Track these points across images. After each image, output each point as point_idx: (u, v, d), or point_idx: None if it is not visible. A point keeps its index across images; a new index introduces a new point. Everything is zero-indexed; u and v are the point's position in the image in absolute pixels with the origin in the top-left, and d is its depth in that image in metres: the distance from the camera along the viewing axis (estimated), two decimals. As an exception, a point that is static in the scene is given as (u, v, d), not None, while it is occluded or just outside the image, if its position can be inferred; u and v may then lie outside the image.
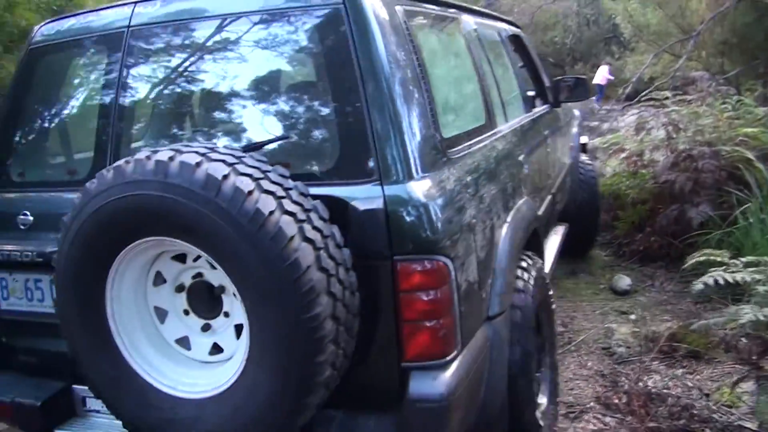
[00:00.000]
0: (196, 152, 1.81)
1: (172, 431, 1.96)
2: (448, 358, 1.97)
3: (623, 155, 6.55)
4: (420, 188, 1.97)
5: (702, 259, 3.63)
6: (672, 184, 5.46)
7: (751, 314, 2.85)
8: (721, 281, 3.22)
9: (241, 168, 1.79)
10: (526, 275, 2.64)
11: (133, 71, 2.44)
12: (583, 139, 6.19)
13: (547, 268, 3.29)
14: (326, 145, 2.16)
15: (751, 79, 8.48)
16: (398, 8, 2.28)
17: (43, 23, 2.76)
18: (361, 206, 1.94)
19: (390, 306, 1.95)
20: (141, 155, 1.86)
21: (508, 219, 2.64)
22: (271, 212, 1.72)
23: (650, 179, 6.01)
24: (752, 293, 3.29)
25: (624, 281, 5.17)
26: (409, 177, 1.98)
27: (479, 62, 3.11)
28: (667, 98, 6.33)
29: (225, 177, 1.74)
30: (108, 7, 2.60)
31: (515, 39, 4.45)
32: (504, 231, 2.55)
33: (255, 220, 1.71)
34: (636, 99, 8.35)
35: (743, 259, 3.40)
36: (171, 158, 1.79)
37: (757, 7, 8.66)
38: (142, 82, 2.48)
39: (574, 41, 30.56)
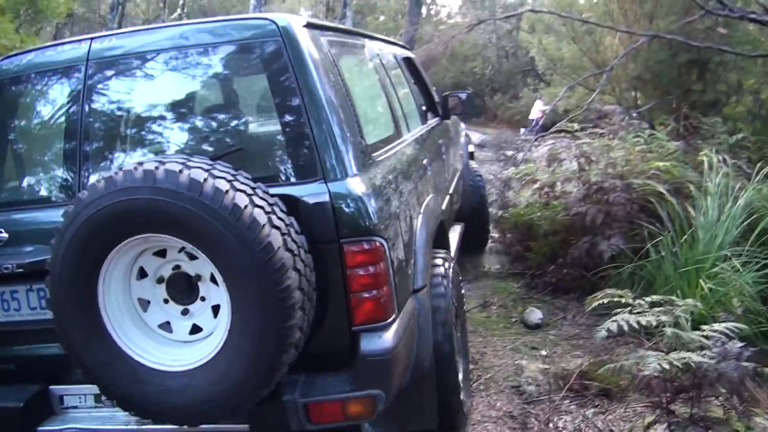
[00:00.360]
0: (176, 161, 2.17)
1: (165, 401, 2.26)
2: (388, 321, 2.42)
3: (535, 186, 6.47)
4: (356, 184, 2.43)
5: (605, 300, 3.47)
6: (583, 216, 5.39)
7: (655, 363, 2.70)
8: (625, 326, 3.06)
9: (215, 172, 2.16)
10: (440, 259, 3.23)
11: (93, 99, 2.72)
12: (471, 148, 7.12)
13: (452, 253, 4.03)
14: (278, 154, 2.61)
15: (664, 114, 8.61)
16: (323, 39, 2.73)
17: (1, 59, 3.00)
18: (311, 200, 2.37)
19: (339, 281, 2.36)
20: (129, 167, 2.18)
21: (421, 211, 3.18)
22: (246, 206, 2.10)
23: (562, 210, 5.95)
24: (660, 334, 3.16)
25: (535, 315, 5.04)
26: (346, 175, 2.42)
27: (384, 81, 3.67)
28: (581, 129, 6.30)
29: (205, 180, 2.09)
30: (66, 42, 2.90)
31: (408, 60, 5.10)
32: (419, 220, 3.07)
33: (233, 213, 2.07)
34: (549, 130, 8.38)
35: (648, 299, 3.27)
36: (157, 167, 2.12)
37: (671, 45, 8.84)
38: (103, 108, 2.75)
39: (493, 72, 31.21)
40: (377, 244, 2.39)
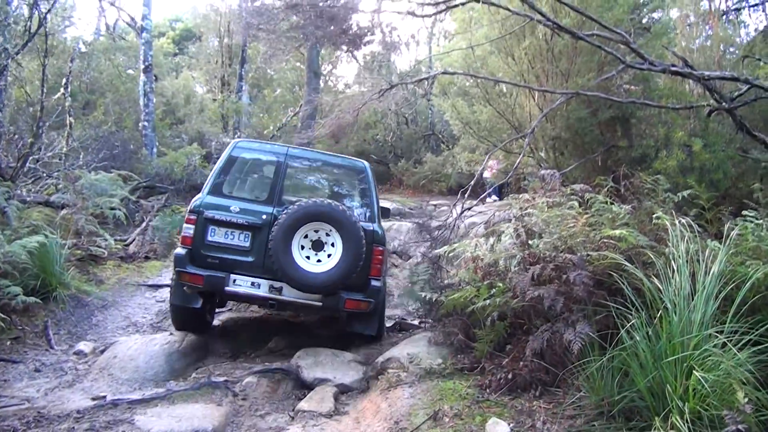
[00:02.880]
0: (336, 201, 6.73)
1: (309, 282, 6.26)
2: (380, 277, 6.79)
3: (472, 264, 5.70)
4: (381, 227, 6.98)
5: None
6: (539, 300, 4.62)
7: None
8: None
9: (348, 208, 6.80)
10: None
11: (288, 168, 7.07)
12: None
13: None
14: (359, 210, 7.07)
15: (588, 174, 8.11)
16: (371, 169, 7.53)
17: (238, 140, 7.64)
18: (368, 228, 6.69)
19: (369, 258, 6.61)
20: (317, 200, 6.52)
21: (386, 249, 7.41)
22: (358, 220, 6.55)
23: (507, 292, 5.17)
24: None
25: (501, 428, 4.14)
26: (378, 222, 6.99)
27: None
28: (529, 200, 5.57)
29: (347, 208, 6.58)
30: (279, 145, 7.61)
31: None
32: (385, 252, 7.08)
33: (354, 220, 6.44)
34: (475, 195, 7.73)
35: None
36: (330, 201, 6.55)
37: (589, 102, 8.43)
38: (290, 172, 7.19)
39: (395, 139, 31.06)
40: (382, 249, 6.70)
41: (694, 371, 3.88)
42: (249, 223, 6.52)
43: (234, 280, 6.44)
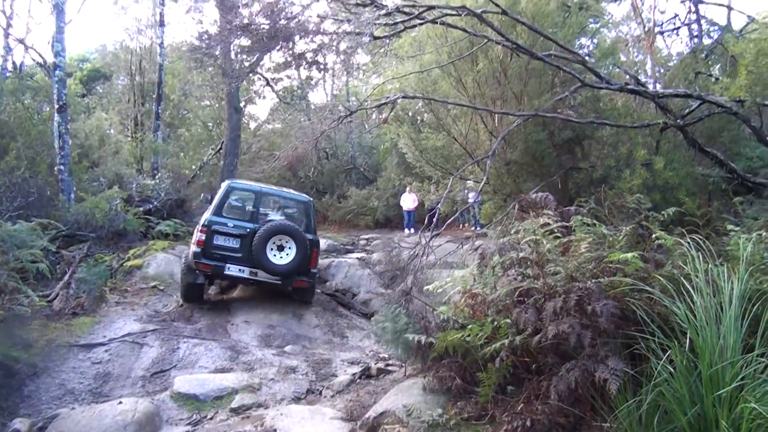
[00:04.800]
0: (291, 221, 11.50)
1: (276, 270, 10.57)
2: (315, 268, 11.54)
3: (469, 300, 5.27)
4: (315, 236, 11.64)
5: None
6: (564, 337, 4.21)
7: None
8: None
9: (297, 224, 11.58)
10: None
11: (261, 199, 11.70)
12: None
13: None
14: (303, 225, 11.56)
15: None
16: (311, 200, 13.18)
17: (231, 181, 12.26)
18: (310, 237, 11.16)
19: (310, 256, 11.06)
20: (281, 221, 11.27)
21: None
22: (302, 232, 11.00)
23: (511, 328, 4.75)
24: None
25: (544, 486, 3.68)
26: (314, 233, 11.64)
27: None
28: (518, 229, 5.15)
29: (297, 226, 11.14)
30: (255, 186, 12.24)
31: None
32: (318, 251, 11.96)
33: (303, 234, 10.89)
34: (441, 226, 7.34)
35: None
36: (289, 223, 11.19)
37: (545, 124, 8.22)
38: (263, 202, 11.88)
39: (317, 174, 30.56)
40: (317, 250, 11.45)
41: (742, 402, 3.57)
42: (239, 233, 10.67)
43: (228, 267, 10.51)
